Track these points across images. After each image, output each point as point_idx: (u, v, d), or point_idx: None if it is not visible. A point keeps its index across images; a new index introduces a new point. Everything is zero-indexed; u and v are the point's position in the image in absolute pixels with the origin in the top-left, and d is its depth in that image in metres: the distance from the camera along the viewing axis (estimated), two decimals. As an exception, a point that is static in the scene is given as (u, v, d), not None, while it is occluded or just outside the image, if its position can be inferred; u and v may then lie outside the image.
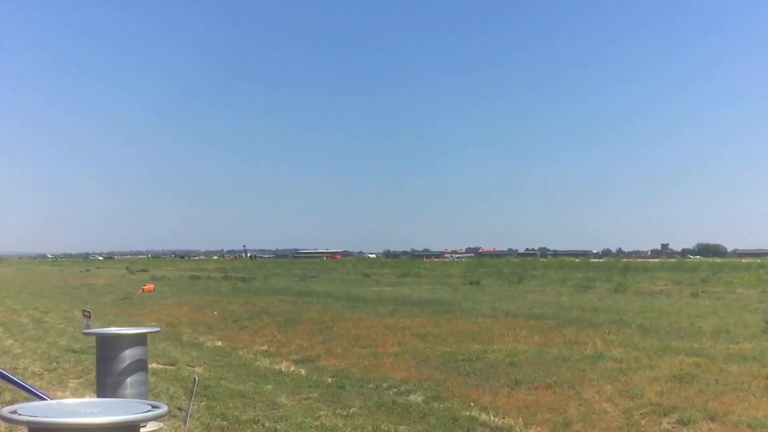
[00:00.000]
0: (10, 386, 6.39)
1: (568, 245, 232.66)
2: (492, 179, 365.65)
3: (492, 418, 7.56)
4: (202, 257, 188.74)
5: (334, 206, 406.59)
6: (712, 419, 7.28)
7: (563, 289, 28.93)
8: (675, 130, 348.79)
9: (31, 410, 2.44)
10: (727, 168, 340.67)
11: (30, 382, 7.79)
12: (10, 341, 14.28)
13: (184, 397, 8.35)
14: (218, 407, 8.09)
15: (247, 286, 32.73)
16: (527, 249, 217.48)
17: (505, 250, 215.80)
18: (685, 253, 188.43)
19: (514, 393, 8.74)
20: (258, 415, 7.72)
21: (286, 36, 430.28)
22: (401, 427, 7.33)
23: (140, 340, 5.10)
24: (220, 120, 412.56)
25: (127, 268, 62.19)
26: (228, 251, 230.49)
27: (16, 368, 10.52)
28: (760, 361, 10.34)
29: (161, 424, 4.67)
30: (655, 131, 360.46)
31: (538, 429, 7.25)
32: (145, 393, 5.04)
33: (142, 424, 2.59)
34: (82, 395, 8.65)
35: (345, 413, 7.87)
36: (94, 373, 5.50)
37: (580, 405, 8.05)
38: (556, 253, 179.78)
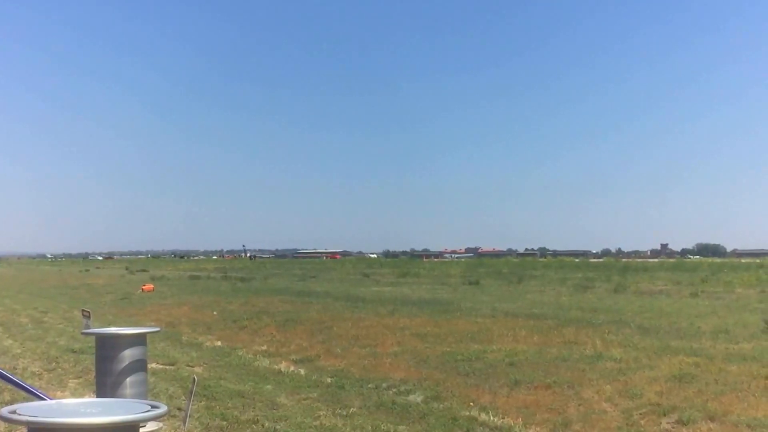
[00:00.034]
0: (10, 386, 6.39)
1: (567, 245, 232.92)
2: (491, 179, 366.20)
3: (491, 418, 7.56)
4: (201, 257, 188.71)
5: (334, 206, 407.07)
6: (712, 419, 7.28)
7: (563, 289, 28.93)
8: (674, 130, 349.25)
9: (30, 410, 2.44)
10: (727, 168, 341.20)
11: (29, 382, 7.79)
12: (10, 341, 14.28)
13: (183, 397, 8.35)
14: (218, 407, 8.09)
15: (246, 286, 32.73)
16: (527, 249, 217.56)
17: (505, 250, 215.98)
18: (684, 253, 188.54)
19: (514, 393, 8.74)
20: (257, 415, 7.72)
21: (286, 36, 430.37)
22: (401, 427, 7.33)
23: (140, 340, 5.10)
24: (220, 120, 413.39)
25: (127, 268, 62.17)
26: (227, 251, 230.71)
27: (15, 368, 10.52)
28: (760, 361, 10.35)
29: (161, 424, 4.67)
30: (654, 131, 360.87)
31: (538, 429, 7.25)
32: (145, 393, 5.03)
33: (141, 424, 2.59)
34: (81, 395, 8.65)
35: (344, 413, 7.87)
36: (94, 373, 5.50)
37: (579, 405, 8.05)
38: (555, 253, 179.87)
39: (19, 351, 12.83)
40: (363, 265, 72.88)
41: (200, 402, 8.19)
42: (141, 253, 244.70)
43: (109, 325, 12.02)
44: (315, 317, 17.25)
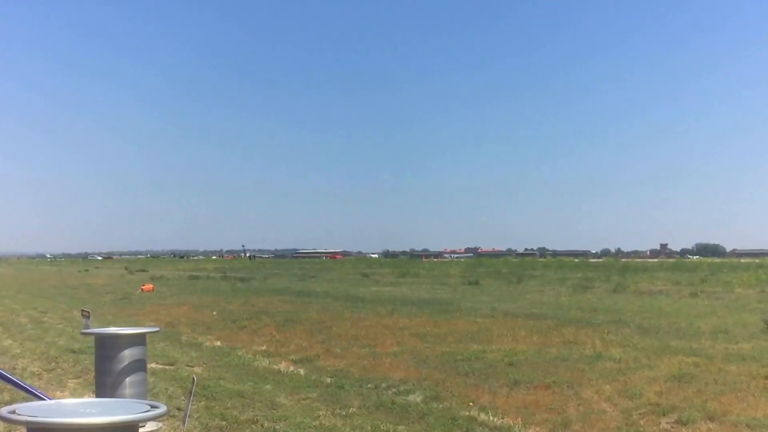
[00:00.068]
0: (9, 386, 6.39)
1: (567, 245, 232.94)
2: (491, 179, 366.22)
3: (491, 417, 7.57)
4: (201, 257, 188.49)
5: (333, 206, 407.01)
6: (711, 419, 7.29)
7: (562, 289, 28.94)
8: (674, 130, 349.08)
9: (29, 410, 2.44)
10: (726, 168, 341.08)
11: (29, 382, 7.78)
12: (9, 341, 14.27)
13: (183, 397, 8.35)
14: (217, 407, 8.09)
15: (246, 286, 32.73)
16: (526, 249, 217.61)
17: (504, 250, 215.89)
18: (684, 253, 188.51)
19: (513, 393, 8.74)
20: (257, 415, 7.72)
21: (286, 36, 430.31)
22: (400, 427, 7.33)
23: (139, 340, 5.10)
24: (219, 120, 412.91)
25: (126, 268, 62.15)
26: (227, 251, 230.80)
27: (14, 368, 10.51)
28: (759, 361, 10.36)
29: (160, 424, 4.66)
30: (653, 131, 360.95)
31: (537, 429, 7.25)
32: (144, 393, 5.03)
33: (141, 424, 2.59)
34: (80, 395, 8.65)
35: (344, 413, 7.87)
36: (93, 373, 5.50)
37: (579, 405, 8.05)
38: (555, 253, 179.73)
39: (18, 351, 12.82)
40: (362, 265, 72.89)
41: (200, 402, 8.18)
42: (140, 253, 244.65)
43: (108, 325, 12.01)
44: (314, 317, 17.26)
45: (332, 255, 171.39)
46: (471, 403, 8.22)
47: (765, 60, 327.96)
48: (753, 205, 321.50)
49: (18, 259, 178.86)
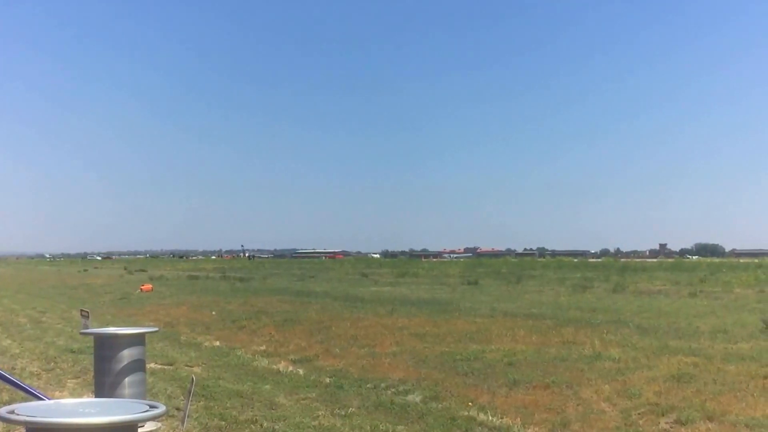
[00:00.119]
0: (8, 386, 6.38)
1: (566, 245, 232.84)
2: (490, 179, 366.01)
3: (490, 417, 7.57)
4: (200, 257, 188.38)
5: (333, 206, 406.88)
6: (710, 419, 7.29)
7: (561, 289, 28.94)
8: (673, 130, 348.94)
9: (29, 410, 2.44)
10: (726, 168, 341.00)
11: (28, 382, 7.79)
12: (8, 341, 14.27)
13: (182, 397, 8.35)
14: (216, 407, 8.09)
15: (245, 286, 32.73)
16: (525, 249, 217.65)
17: (504, 250, 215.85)
18: (683, 253, 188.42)
19: (513, 393, 8.74)
20: (256, 415, 7.71)
21: (285, 36, 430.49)
22: (399, 427, 7.33)
23: (138, 340, 5.09)
24: (219, 119, 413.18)
25: (125, 268, 62.13)
26: (226, 251, 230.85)
27: (14, 368, 10.51)
28: (758, 360, 10.37)
29: (159, 424, 4.66)
30: (653, 131, 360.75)
31: (536, 429, 7.25)
32: (143, 393, 5.02)
33: (140, 424, 2.59)
34: (80, 395, 8.65)
35: (343, 413, 7.87)
36: (92, 373, 5.49)
37: (578, 405, 8.05)
38: (554, 253, 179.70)
39: (17, 351, 12.82)
40: (362, 265, 72.89)
41: (199, 402, 8.18)
42: (139, 253, 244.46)
43: (107, 325, 12.01)
44: (314, 317, 17.26)
45: (333, 255, 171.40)
46: (470, 403, 8.22)
47: (765, 60, 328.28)
48: (752, 205, 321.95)
49: (17, 259, 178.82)
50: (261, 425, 7.35)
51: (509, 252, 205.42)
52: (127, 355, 4.93)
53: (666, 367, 9.89)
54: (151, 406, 2.54)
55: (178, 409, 7.53)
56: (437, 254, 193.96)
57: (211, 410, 7.93)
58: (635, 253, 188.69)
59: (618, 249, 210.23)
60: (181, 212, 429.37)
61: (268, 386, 9.42)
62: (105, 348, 4.99)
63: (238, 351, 12.60)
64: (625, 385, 8.83)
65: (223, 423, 7.41)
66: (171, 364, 11.20)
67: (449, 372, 10.14)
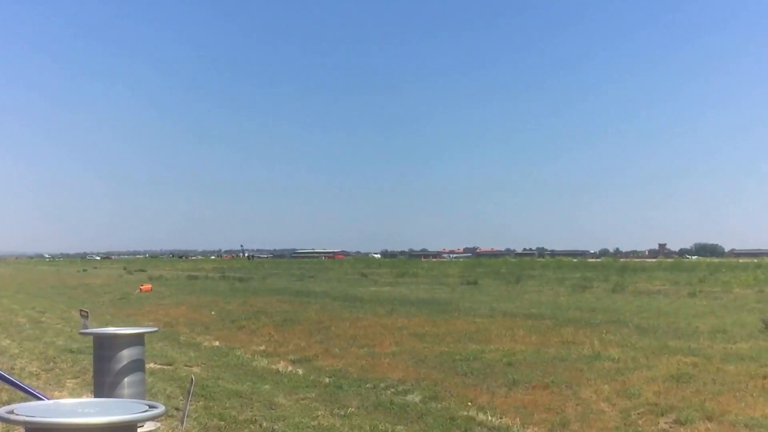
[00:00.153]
0: (7, 386, 6.38)
1: (565, 245, 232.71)
2: (490, 179, 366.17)
3: (489, 417, 7.57)
4: (199, 257, 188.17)
5: (332, 206, 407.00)
6: (710, 419, 7.29)
7: (561, 289, 28.95)
8: (673, 131, 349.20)
9: (28, 410, 2.43)
10: (725, 168, 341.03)
11: (27, 382, 7.78)
12: (8, 341, 14.25)
13: (181, 397, 8.34)
14: (215, 407, 8.09)
15: (244, 286, 32.72)
16: (525, 249, 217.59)
17: (503, 250, 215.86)
18: (682, 253, 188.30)
19: (512, 393, 8.74)
20: (255, 415, 7.71)
21: (285, 36, 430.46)
22: (399, 427, 7.33)
23: (137, 340, 5.09)
24: (219, 119, 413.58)
25: (125, 268, 62.12)
26: (226, 251, 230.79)
27: (13, 368, 10.50)
28: (757, 360, 10.37)
29: (158, 424, 4.66)
30: (652, 131, 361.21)
31: (536, 429, 7.26)
32: (143, 393, 5.02)
33: (139, 424, 2.58)
34: (79, 395, 8.64)
35: (342, 413, 7.87)
36: (92, 373, 5.49)
37: (577, 405, 8.05)
38: (553, 253, 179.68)
39: (16, 351, 12.81)
40: (361, 265, 72.88)
41: (198, 402, 8.18)
42: (139, 253, 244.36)
43: (107, 325, 12.01)
44: (313, 317, 17.25)
45: (334, 255, 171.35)
46: (469, 403, 8.22)
47: (764, 60, 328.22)
48: (751, 205, 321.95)
49: (16, 258, 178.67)
50: (260, 425, 7.34)
51: (508, 252, 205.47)
52: (127, 355, 4.93)
53: (665, 367, 9.90)
54: (151, 406, 2.54)
55: (177, 409, 7.53)
56: (437, 254, 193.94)
57: (210, 410, 7.93)
58: (634, 253, 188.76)
59: (617, 249, 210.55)
60: (181, 212, 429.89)
61: (267, 386, 9.42)
62: (104, 348, 4.99)
63: (237, 351, 12.60)
64: (625, 385, 8.84)
65: (223, 423, 7.41)
66: (170, 364, 11.20)
67: (448, 372, 10.14)
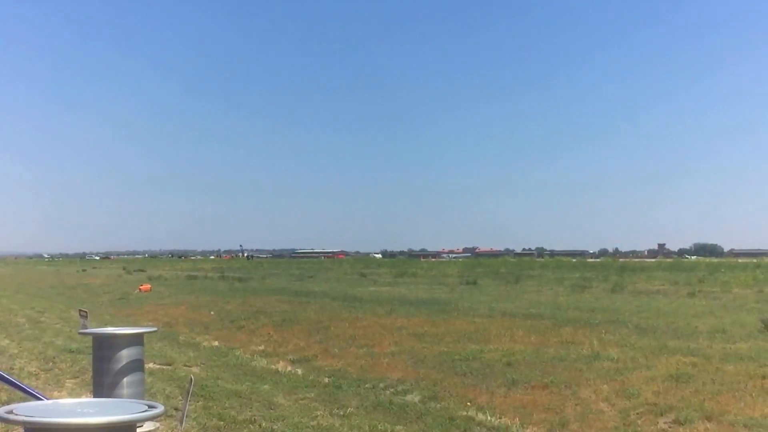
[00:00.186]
0: (7, 386, 6.38)
1: (565, 245, 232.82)
2: (489, 179, 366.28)
3: (489, 417, 7.57)
4: (199, 257, 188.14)
5: (331, 206, 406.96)
6: (709, 419, 7.29)
7: (560, 289, 28.96)
8: (672, 131, 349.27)
9: (27, 410, 2.43)
10: (724, 168, 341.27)
11: (26, 382, 7.78)
12: (7, 341, 14.25)
13: (180, 397, 8.34)
14: (215, 407, 8.09)
15: (244, 286, 32.71)
16: (524, 249, 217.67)
17: (502, 250, 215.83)
18: (681, 253, 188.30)
19: (511, 393, 8.75)
20: (255, 415, 7.71)
21: (285, 36, 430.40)
22: (398, 427, 7.33)
23: (137, 340, 5.09)
24: (218, 119, 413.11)
25: (124, 268, 62.08)
26: (225, 251, 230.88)
27: (12, 368, 10.50)
28: (757, 360, 10.37)
29: (158, 424, 4.65)
30: (652, 131, 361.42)
31: (535, 429, 7.26)
32: (142, 393, 5.02)
33: (138, 424, 2.59)
34: (78, 395, 8.64)
35: (342, 413, 7.87)
36: (91, 373, 5.49)
37: (576, 405, 8.06)
38: (553, 253, 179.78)
39: (16, 351, 12.81)
40: (361, 265, 72.90)
41: (197, 402, 8.18)
42: (138, 253, 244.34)
43: (106, 325, 12.01)
44: (312, 317, 17.25)
45: (333, 255, 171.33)
46: (469, 403, 8.22)
47: (764, 60, 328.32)
48: (751, 205, 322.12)
49: (15, 258, 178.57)
50: (259, 425, 7.35)
51: (508, 252, 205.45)
52: (126, 355, 4.93)
53: (664, 367, 9.90)
54: (150, 406, 2.54)
55: (176, 409, 7.53)
56: (436, 254, 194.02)
57: (209, 410, 7.93)
58: (634, 253, 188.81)
59: (617, 249, 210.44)
60: (180, 212, 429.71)
61: (266, 386, 9.42)
62: (103, 348, 4.99)
63: (236, 351, 12.60)
64: (624, 385, 8.84)
65: (222, 423, 7.41)
66: (169, 364, 11.20)
67: (448, 372, 10.14)
